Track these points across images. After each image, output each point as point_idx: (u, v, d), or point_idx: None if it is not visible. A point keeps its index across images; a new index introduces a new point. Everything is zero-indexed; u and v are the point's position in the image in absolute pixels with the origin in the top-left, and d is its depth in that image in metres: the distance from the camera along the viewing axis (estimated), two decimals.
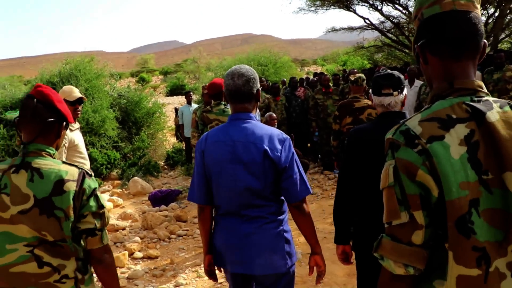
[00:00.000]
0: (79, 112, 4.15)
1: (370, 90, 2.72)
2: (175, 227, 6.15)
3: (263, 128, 2.39)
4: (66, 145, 4.00)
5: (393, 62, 17.01)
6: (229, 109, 5.07)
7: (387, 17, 15.19)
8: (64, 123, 2.04)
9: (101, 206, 1.91)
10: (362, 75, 5.44)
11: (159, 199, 7.57)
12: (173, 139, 14.31)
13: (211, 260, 2.57)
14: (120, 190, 8.65)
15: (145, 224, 6.34)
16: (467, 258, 1.23)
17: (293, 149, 2.40)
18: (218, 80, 5.23)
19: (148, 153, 11.16)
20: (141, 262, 5.25)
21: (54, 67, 11.36)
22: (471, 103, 1.30)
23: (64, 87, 4.17)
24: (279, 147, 2.32)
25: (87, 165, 4.27)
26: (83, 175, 1.89)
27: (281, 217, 2.43)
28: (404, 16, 15.07)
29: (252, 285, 2.56)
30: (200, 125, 5.33)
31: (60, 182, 1.83)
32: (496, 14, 13.71)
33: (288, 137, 2.43)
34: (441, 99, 1.35)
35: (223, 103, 5.19)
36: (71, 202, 1.82)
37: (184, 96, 11.00)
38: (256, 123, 2.41)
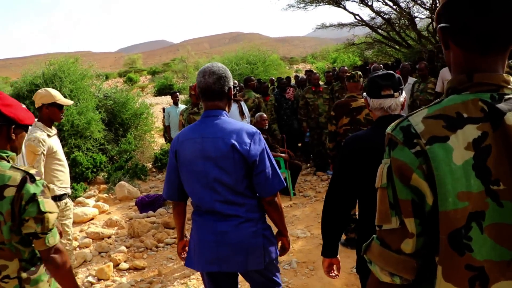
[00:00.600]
0: (62, 116, 3.96)
1: (365, 93, 2.50)
2: (163, 235, 5.88)
3: (233, 124, 2.42)
4: (45, 152, 3.77)
5: (383, 59, 16.86)
6: None
7: (378, 13, 15.00)
8: (15, 126, 2.05)
9: (41, 212, 1.92)
10: (358, 71, 5.21)
11: (147, 204, 7.29)
12: (162, 140, 14.04)
13: (185, 244, 2.78)
14: (106, 195, 8.37)
15: (132, 232, 6.07)
16: (458, 276, 1.10)
17: (264, 143, 2.42)
18: None
19: (135, 156, 10.87)
20: (127, 274, 4.99)
21: (37, 69, 11.02)
22: (490, 101, 1.10)
23: (40, 90, 3.91)
24: (247, 140, 2.35)
25: (66, 173, 4.04)
26: (24, 180, 1.91)
27: (257, 215, 2.46)
28: (395, 12, 14.88)
29: (230, 284, 2.62)
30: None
31: (2, 187, 1.89)
32: None
33: (258, 131, 2.46)
34: (456, 93, 1.16)
35: None
36: (9, 207, 1.88)
37: (170, 97, 10.69)
38: (225, 119, 2.44)
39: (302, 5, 15.79)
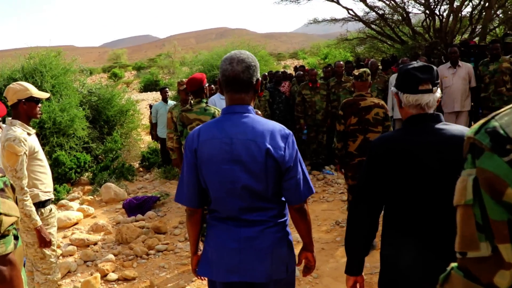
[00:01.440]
0: (39, 113, 3.54)
1: (394, 88, 2.17)
2: (154, 241, 5.46)
3: (263, 123, 2.16)
4: (27, 152, 3.36)
5: (375, 55, 16.57)
6: (211, 107, 4.62)
7: (372, 7, 14.67)
8: None
9: None
10: (367, 69, 4.90)
11: (135, 207, 6.87)
12: (148, 138, 13.60)
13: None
14: (91, 197, 7.90)
15: (120, 238, 5.63)
16: None
17: (296, 146, 2.19)
18: (198, 75, 4.66)
19: (121, 155, 10.40)
20: (115, 285, 4.56)
21: (16, 62, 10.48)
22: None
23: (12, 85, 3.46)
24: (282, 144, 2.12)
25: (49, 175, 3.65)
26: None
27: (283, 220, 2.24)
28: (389, 7, 14.58)
29: None
30: (179, 126, 4.70)
31: None
32: (482, 5, 13.40)
33: (291, 132, 2.21)
34: None
35: (205, 100, 4.69)
36: None
37: (159, 92, 10.24)
38: (255, 117, 2.17)
39: None
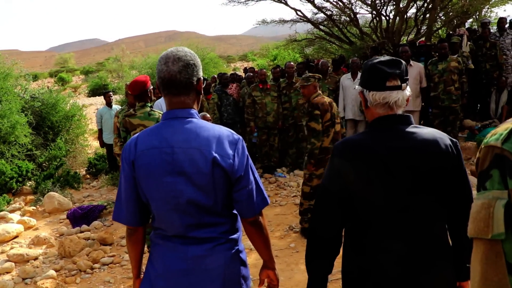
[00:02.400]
0: None
1: (356, 86, 1.97)
2: (99, 253, 5.16)
3: (209, 129, 1.93)
4: None
5: (324, 56, 16.67)
6: (155, 112, 4.38)
7: (320, 8, 14.72)
8: None
9: None
10: (316, 75, 5.15)
11: (80, 217, 6.52)
12: (97, 143, 13.14)
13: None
14: (34, 207, 7.48)
15: (62, 252, 5.30)
16: None
17: (246, 152, 1.97)
18: (141, 78, 4.40)
19: (66, 162, 9.96)
20: None
21: None
22: None
23: None
24: (230, 152, 1.90)
25: None
26: None
27: (235, 236, 2.01)
28: (336, 8, 14.67)
29: None
30: (122, 132, 4.45)
31: None
32: (426, 6, 13.69)
33: (241, 137, 2.00)
34: None
35: (149, 104, 4.42)
36: None
37: (103, 97, 9.85)
38: (199, 122, 1.94)
39: (243, 0, 15.28)
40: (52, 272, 4.75)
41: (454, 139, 1.84)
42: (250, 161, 1.98)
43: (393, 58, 1.87)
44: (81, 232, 6.08)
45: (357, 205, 1.80)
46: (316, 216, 1.91)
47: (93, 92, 36.05)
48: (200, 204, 1.88)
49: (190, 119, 1.93)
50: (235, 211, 2.01)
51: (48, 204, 7.28)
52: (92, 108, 20.75)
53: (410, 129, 1.80)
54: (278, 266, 4.50)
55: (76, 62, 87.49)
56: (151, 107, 4.44)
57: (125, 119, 4.39)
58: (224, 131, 1.95)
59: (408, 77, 1.87)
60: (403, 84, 1.83)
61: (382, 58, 1.88)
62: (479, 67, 9.22)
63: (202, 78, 2.00)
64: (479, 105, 9.97)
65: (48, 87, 13.65)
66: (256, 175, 2.00)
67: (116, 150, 6.23)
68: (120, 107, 8.87)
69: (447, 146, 1.77)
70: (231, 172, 1.88)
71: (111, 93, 9.61)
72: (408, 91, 1.86)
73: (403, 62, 1.88)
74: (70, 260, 5.12)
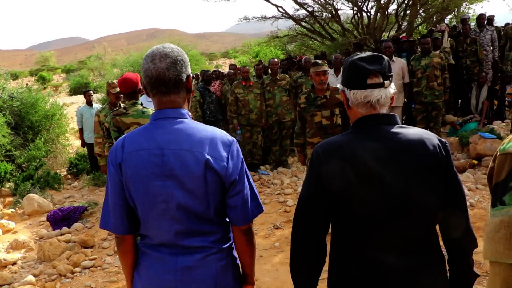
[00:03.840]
0: None
1: (340, 85, 1.83)
2: (80, 257, 5.05)
3: (201, 130, 1.82)
4: None
5: (306, 52, 16.67)
6: (149, 109, 4.24)
7: (301, 5, 14.72)
8: None
9: None
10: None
11: (60, 219, 6.39)
12: (78, 143, 12.96)
13: None
14: (13, 210, 7.32)
15: (42, 256, 5.17)
16: None
17: (241, 155, 1.87)
18: (132, 76, 4.24)
19: (47, 162, 9.79)
20: None
21: None
22: None
23: None
24: (224, 154, 1.79)
25: None
26: None
27: (228, 244, 1.90)
28: (318, 4, 14.69)
29: None
30: (113, 132, 4.28)
31: None
32: (406, 3, 13.79)
33: (234, 139, 1.88)
34: None
35: (140, 102, 4.28)
36: None
37: (83, 96, 9.64)
38: (191, 123, 1.84)
39: None
40: (31, 278, 4.62)
41: (443, 140, 1.72)
42: (245, 165, 1.88)
43: (374, 53, 1.75)
44: (62, 234, 5.95)
45: (339, 211, 1.70)
46: (297, 221, 1.79)
47: (74, 91, 35.67)
48: (191, 209, 1.78)
49: (181, 119, 1.83)
50: (227, 219, 1.90)
51: (27, 206, 7.12)
52: (73, 107, 20.45)
53: (395, 129, 1.69)
54: (263, 267, 4.47)
55: (57, 60, 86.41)
56: (142, 104, 4.32)
57: (116, 118, 4.22)
58: (217, 132, 1.85)
59: (391, 73, 1.75)
60: (385, 81, 1.70)
61: (363, 54, 1.75)
62: (459, 63, 9.32)
63: (191, 75, 1.90)
64: (460, 101, 10.05)
65: (27, 85, 13.42)
66: (251, 180, 1.90)
67: (96, 150, 6.12)
68: (101, 106, 8.76)
69: (435, 147, 1.66)
70: (224, 176, 1.78)
71: (91, 91, 9.44)
72: (392, 88, 1.74)
73: (385, 57, 1.76)
74: (50, 264, 5.00)
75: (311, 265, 1.80)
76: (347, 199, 1.66)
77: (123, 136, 1.90)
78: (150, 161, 1.77)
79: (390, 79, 1.73)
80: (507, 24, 10.05)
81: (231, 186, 1.81)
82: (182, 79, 1.83)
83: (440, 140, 1.70)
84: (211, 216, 1.82)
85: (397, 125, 1.71)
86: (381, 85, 1.69)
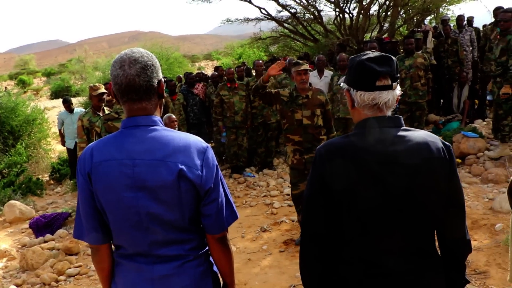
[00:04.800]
0: None
1: (342, 84, 1.79)
2: (64, 264, 4.95)
3: (174, 137, 1.75)
4: None
5: (289, 53, 16.70)
6: None
7: (284, 6, 14.76)
8: None
9: None
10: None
11: (43, 226, 6.28)
12: (61, 147, 12.79)
13: None
14: None
15: (25, 264, 5.06)
16: None
17: (216, 162, 1.81)
18: None
19: (28, 168, 9.62)
20: None
21: None
22: None
23: None
24: (198, 162, 1.73)
25: None
26: None
27: (204, 250, 1.86)
28: (301, 6, 14.74)
29: None
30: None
31: None
32: (388, 4, 13.92)
33: (208, 145, 1.82)
34: None
35: None
36: None
37: (63, 104, 9.28)
38: (163, 131, 1.76)
39: None
40: None
41: (446, 143, 1.70)
42: (220, 172, 1.83)
43: (384, 54, 1.70)
44: (45, 242, 5.84)
45: (342, 213, 1.66)
46: (304, 220, 1.77)
47: (55, 95, 35.20)
48: (165, 220, 1.73)
49: (153, 127, 1.76)
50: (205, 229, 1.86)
51: (8, 214, 6.98)
52: (55, 110, 20.19)
53: (400, 132, 1.66)
54: (252, 270, 4.44)
55: (37, 64, 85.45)
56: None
57: (108, 123, 4.13)
58: (191, 138, 1.79)
59: (399, 75, 1.73)
60: (393, 84, 1.67)
61: (371, 54, 1.69)
62: (441, 63, 9.42)
63: (162, 79, 1.83)
64: (442, 100, 10.15)
65: (6, 89, 13.23)
66: (226, 186, 1.86)
67: (80, 155, 6.05)
68: (82, 110, 8.66)
69: (439, 150, 1.64)
70: (199, 185, 1.72)
71: (70, 100, 9.12)
72: (398, 90, 1.71)
73: (394, 59, 1.71)
74: (33, 273, 4.89)
75: (322, 263, 1.74)
76: (349, 200, 1.63)
77: (91, 144, 1.83)
78: (121, 172, 1.71)
79: (398, 80, 1.70)
80: (485, 25, 10.19)
81: (205, 194, 1.76)
82: (153, 84, 1.77)
83: (444, 144, 1.69)
84: (186, 225, 1.78)
85: (402, 128, 1.69)
86: (389, 87, 1.67)
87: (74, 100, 9.62)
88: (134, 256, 1.79)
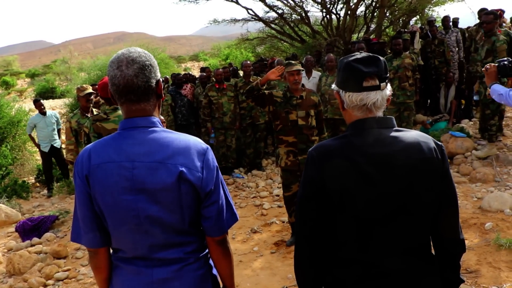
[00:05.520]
0: None
1: (334, 86, 1.79)
2: (53, 268, 4.89)
3: (174, 139, 1.72)
4: None
5: (276, 54, 16.71)
6: None
7: (271, 7, 14.76)
8: None
9: None
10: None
11: (30, 229, 6.19)
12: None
13: None
14: None
15: (11, 269, 4.98)
16: None
17: (216, 164, 1.79)
18: None
19: (13, 170, 9.51)
20: None
21: None
22: None
23: None
24: (198, 163, 1.70)
25: None
26: None
27: (204, 253, 1.83)
28: (288, 6, 14.75)
29: None
30: (93, 138, 4.12)
31: None
32: (374, 5, 13.98)
33: (209, 146, 1.80)
34: None
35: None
36: None
37: (34, 106, 9.06)
38: (162, 132, 1.73)
39: None
40: None
41: (439, 143, 1.71)
42: (220, 173, 1.80)
43: (371, 55, 1.70)
44: (32, 246, 5.76)
45: (336, 214, 1.65)
46: (298, 221, 1.75)
47: (40, 96, 34.82)
48: (165, 223, 1.70)
49: (152, 128, 1.73)
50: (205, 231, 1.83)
51: None
52: None
53: (391, 133, 1.66)
54: (243, 272, 4.41)
55: (20, 65, 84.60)
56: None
57: (96, 124, 4.07)
58: (191, 140, 1.76)
59: (388, 75, 1.72)
60: (382, 84, 1.66)
61: (359, 55, 1.70)
62: (428, 63, 9.49)
63: (160, 79, 1.79)
64: (429, 100, 10.22)
65: None
66: (226, 188, 1.83)
67: (68, 157, 6.00)
68: (54, 112, 8.65)
69: (431, 150, 1.64)
70: (199, 187, 1.70)
71: (41, 101, 8.95)
72: (388, 90, 1.71)
73: (382, 59, 1.71)
74: (21, 278, 4.81)
75: (316, 264, 1.73)
76: (345, 202, 1.62)
77: (89, 146, 1.80)
78: (120, 175, 1.67)
79: (387, 80, 1.69)
80: (469, 27, 10.30)
81: (206, 196, 1.74)
82: (152, 85, 1.73)
83: (436, 144, 1.69)
84: (186, 228, 1.75)
85: (394, 128, 1.68)
86: (377, 88, 1.66)
87: (59, 102, 9.50)
88: (133, 260, 1.76)
